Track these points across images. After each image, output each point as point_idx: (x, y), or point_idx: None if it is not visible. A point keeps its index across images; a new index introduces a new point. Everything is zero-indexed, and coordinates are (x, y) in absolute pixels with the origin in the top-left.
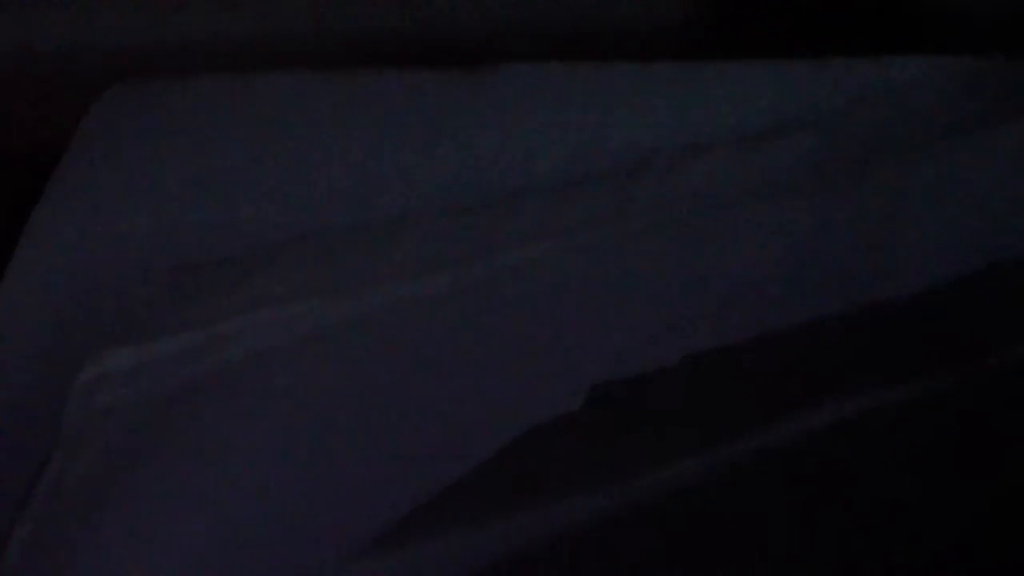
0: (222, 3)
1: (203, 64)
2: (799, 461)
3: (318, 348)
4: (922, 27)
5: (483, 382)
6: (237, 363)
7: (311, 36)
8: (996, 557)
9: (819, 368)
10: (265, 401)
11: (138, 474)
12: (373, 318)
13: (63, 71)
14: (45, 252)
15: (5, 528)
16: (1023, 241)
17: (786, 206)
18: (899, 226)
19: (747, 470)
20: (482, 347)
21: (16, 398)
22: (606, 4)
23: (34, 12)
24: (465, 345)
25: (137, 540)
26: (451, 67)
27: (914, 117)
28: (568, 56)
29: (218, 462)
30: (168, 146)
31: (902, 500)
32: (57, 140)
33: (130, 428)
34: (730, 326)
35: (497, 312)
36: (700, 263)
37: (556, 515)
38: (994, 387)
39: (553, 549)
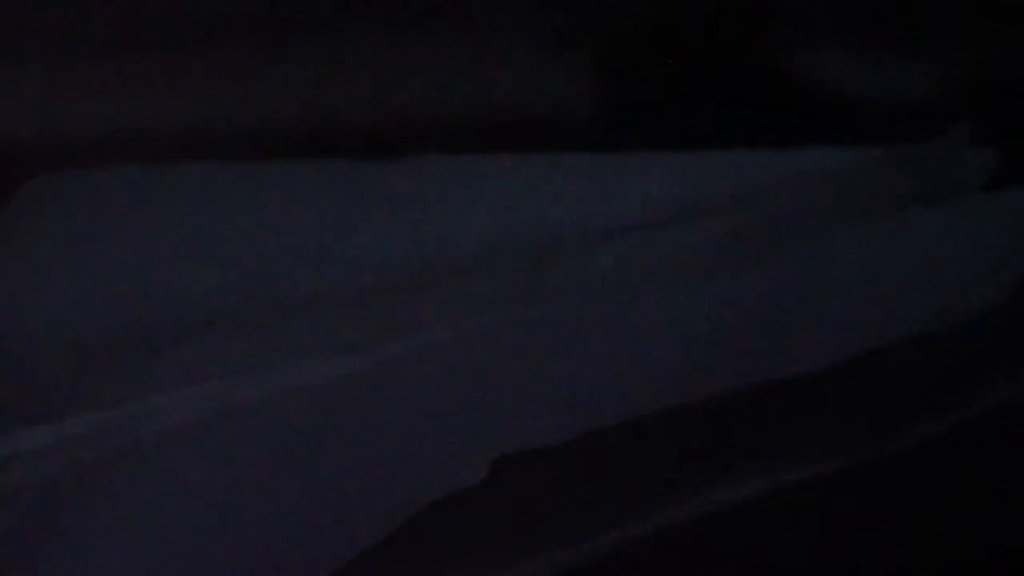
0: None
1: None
2: (701, 538)
3: (225, 426)
4: (819, 118)
5: (387, 458)
6: (146, 440)
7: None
8: None
9: (723, 445)
10: (173, 477)
11: (49, 549)
12: (281, 397)
13: None
14: None
15: None
16: (930, 319)
17: (694, 289)
18: (807, 304)
19: (649, 547)
20: (388, 425)
21: None
22: (504, 94)
23: None
24: (371, 423)
25: None
26: (361, 157)
27: (821, 204)
28: (468, 146)
29: (126, 537)
30: (83, 234)
31: None
32: None
33: (41, 505)
34: (634, 403)
35: (404, 392)
36: (607, 343)
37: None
38: (891, 470)
39: None
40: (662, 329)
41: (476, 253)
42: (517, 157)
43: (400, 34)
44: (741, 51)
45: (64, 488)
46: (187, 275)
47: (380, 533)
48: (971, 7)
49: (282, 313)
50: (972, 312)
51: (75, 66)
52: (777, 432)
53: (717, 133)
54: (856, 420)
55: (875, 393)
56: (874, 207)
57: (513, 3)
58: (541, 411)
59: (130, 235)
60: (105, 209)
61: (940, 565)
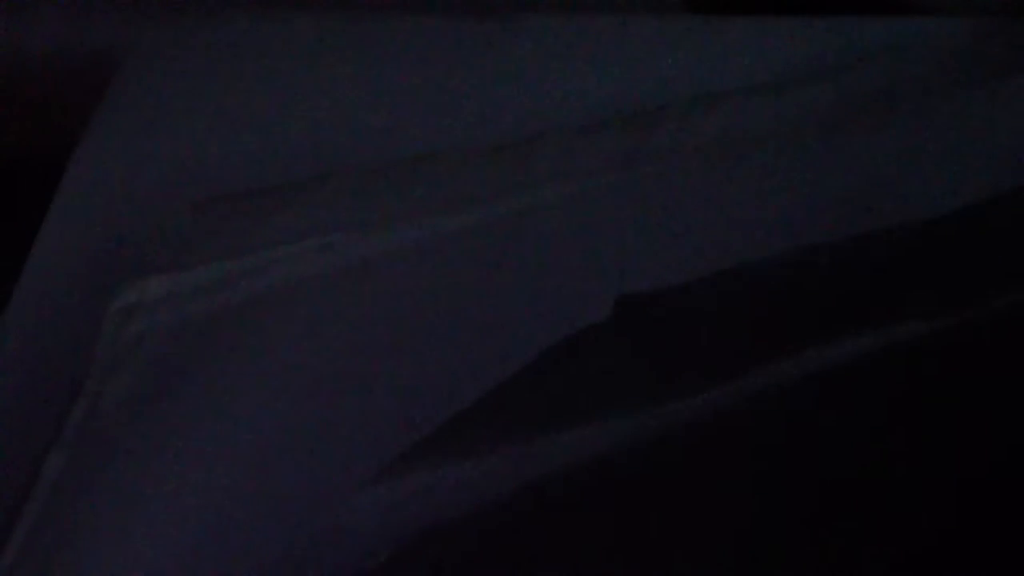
0: None
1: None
2: (811, 396)
3: (348, 279)
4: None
5: (509, 310)
6: (269, 292)
7: None
8: (988, 518)
9: (833, 301)
10: (295, 329)
11: (172, 399)
12: (402, 251)
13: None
14: (85, 187)
15: (39, 449)
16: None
17: (801, 150)
18: (911, 164)
19: (765, 403)
20: (508, 279)
21: (54, 326)
22: None
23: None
24: (492, 277)
25: (170, 466)
26: (475, 14)
27: (924, 72)
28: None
29: (249, 387)
30: (201, 86)
31: (903, 447)
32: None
33: (164, 353)
34: (747, 250)
35: (522, 246)
36: (717, 199)
37: (569, 444)
38: (996, 329)
39: (566, 478)
40: (770, 185)
41: (584, 116)
42: (625, 19)
43: None
44: None
45: (187, 339)
46: (309, 130)
47: (501, 379)
48: None
49: (401, 169)
50: None
51: None
52: (885, 288)
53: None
54: (960, 278)
55: (980, 250)
56: (975, 76)
57: None
58: (658, 260)
59: (248, 89)
60: (223, 60)
61: None
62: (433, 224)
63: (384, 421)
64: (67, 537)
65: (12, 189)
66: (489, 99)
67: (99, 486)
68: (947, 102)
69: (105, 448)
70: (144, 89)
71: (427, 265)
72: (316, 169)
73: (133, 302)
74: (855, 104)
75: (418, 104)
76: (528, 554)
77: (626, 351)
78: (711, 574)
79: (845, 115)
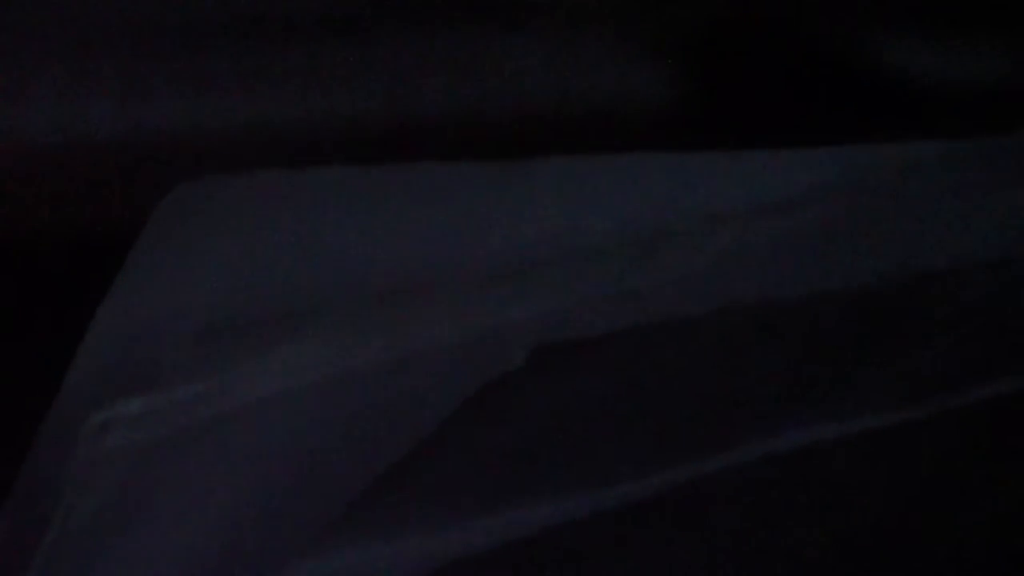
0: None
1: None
2: (797, 472)
3: (315, 397)
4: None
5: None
6: (237, 409)
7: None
8: None
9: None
10: (262, 443)
11: (139, 516)
12: (377, 367)
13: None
14: (108, 318)
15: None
16: None
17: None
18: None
19: (749, 475)
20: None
21: (51, 442)
22: (590, 88)
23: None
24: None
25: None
26: (491, 160)
27: (911, 196)
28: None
29: (216, 494)
30: (225, 238)
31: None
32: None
33: (138, 468)
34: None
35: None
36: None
37: (521, 518)
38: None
39: (511, 553)
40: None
41: (589, 250)
42: (628, 158)
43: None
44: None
45: (156, 456)
46: (323, 279)
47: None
48: None
49: (380, 305)
50: None
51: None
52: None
53: (806, 127)
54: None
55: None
56: (960, 199)
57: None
58: None
59: (270, 239)
60: (247, 213)
61: None
62: (414, 342)
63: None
64: None
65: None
66: (497, 233)
67: None
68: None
69: (80, 558)
70: (172, 240)
71: (400, 381)
72: (299, 306)
73: (109, 418)
74: (863, 220)
75: (425, 240)
76: None
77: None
78: None
79: (852, 230)
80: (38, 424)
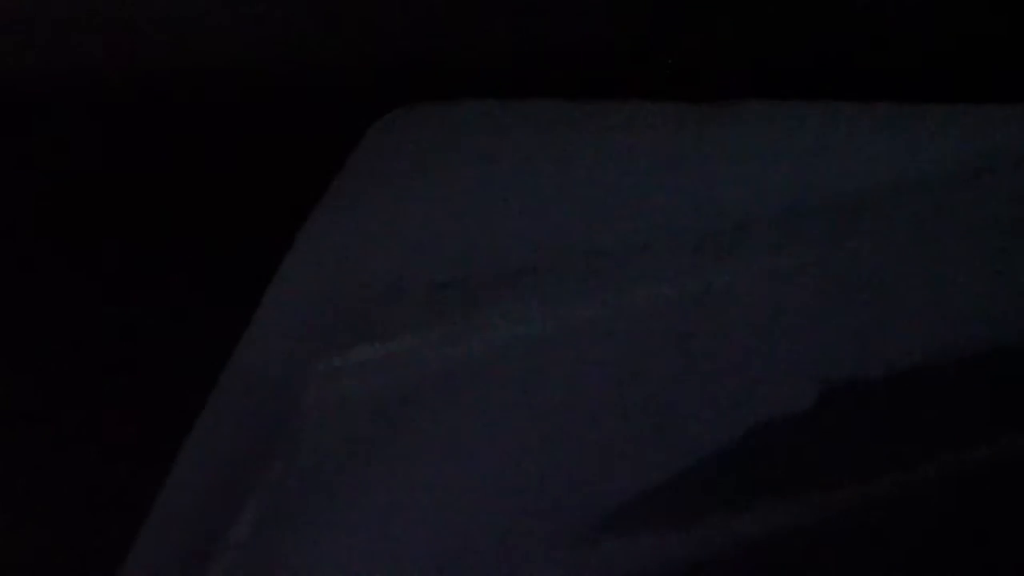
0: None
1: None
2: (986, 485)
3: (544, 348)
4: None
5: (713, 384)
6: (472, 360)
7: None
8: None
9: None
10: (499, 396)
11: (365, 465)
12: (601, 321)
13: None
14: (314, 254)
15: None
16: None
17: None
18: None
19: (941, 489)
20: (712, 351)
21: (262, 384)
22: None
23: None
24: (697, 349)
25: (371, 526)
26: (694, 102)
27: None
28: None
29: (449, 454)
30: (432, 167)
31: None
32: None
33: (368, 417)
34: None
35: (729, 320)
36: (924, 278)
37: (748, 524)
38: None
39: (741, 559)
40: (968, 277)
41: (793, 202)
42: (828, 106)
43: None
44: None
45: (387, 406)
46: (530, 215)
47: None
48: None
49: (606, 255)
50: None
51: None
52: None
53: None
54: None
55: None
56: None
57: None
58: (861, 340)
59: (478, 172)
60: (455, 143)
61: None
62: (640, 295)
63: (575, 488)
64: None
65: None
66: (702, 183)
67: (286, 552)
68: None
69: (296, 511)
70: (380, 167)
71: (634, 334)
72: (515, 262)
73: (340, 365)
74: None
75: (633, 190)
76: None
77: (813, 433)
78: None
79: None
80: None
